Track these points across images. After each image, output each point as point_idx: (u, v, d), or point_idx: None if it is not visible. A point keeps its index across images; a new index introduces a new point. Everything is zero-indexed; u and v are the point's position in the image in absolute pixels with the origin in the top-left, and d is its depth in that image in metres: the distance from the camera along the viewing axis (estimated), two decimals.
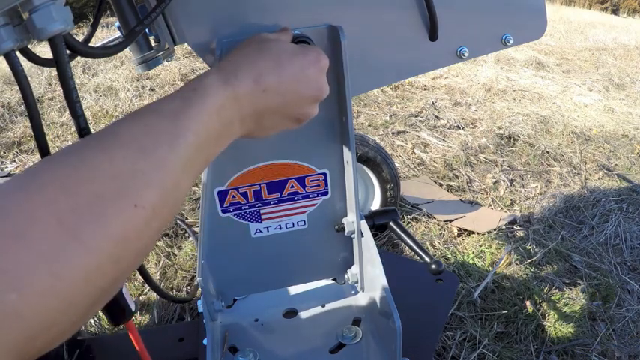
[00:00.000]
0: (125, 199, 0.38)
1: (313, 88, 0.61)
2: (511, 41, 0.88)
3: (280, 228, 0.99)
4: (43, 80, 3.67)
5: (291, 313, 1.08)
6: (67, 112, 3.18)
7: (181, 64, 3.99)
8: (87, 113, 3.27)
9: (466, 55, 0.88)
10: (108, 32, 4.46)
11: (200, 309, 1.06)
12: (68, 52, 0.54)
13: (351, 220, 0.98)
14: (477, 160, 2.85)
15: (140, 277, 1.31)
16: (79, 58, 0.86)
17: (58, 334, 0.35)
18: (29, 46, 0.58)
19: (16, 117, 3.20)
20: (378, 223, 1.02)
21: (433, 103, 3.68)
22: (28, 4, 0.49)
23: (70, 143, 2.90)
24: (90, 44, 0.67)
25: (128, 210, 0.38)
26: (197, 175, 0.49)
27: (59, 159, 0.39)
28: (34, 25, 0.49)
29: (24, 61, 0.57)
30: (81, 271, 0.35)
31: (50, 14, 0.49)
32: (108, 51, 0.64)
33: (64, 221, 0.35)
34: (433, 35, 0.84)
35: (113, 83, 3.68)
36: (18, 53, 0.54)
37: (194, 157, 0.46)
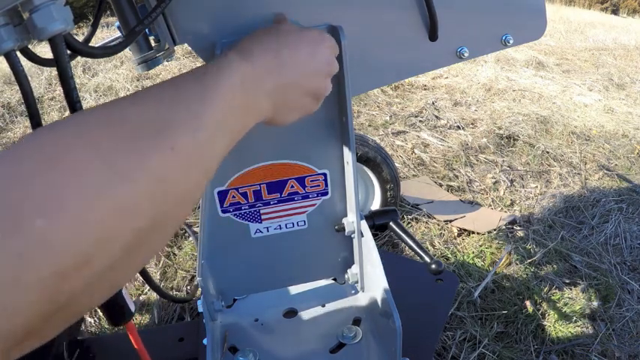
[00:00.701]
0: (162, 139, 0.37)
1: (325, 62, 0.65)
2: (511, 41, 0.88)
3: (280, 228, 0.99)
4: (43, 80, 3.67)
5: (291, 313, 1.08)
6: (67, 112, 3.17)
7: (181, 64, 3.99)
8: None
9: (466, 55, 0.88)
10: (108, 32, 4.46)
11: (200, 309, 1.06)
12: (68, 51, 0.54)
13: (351, 220, 0.98)
14: (477, 160, 2.85)
15: (140, 277, 1.31)
16: (79, 58, 0.86)
17: (91, 277, 0.31)
18: (29, 46, 0.58)
19: (16, 117, 3.20)
20: (378, 223, 1.02)
21: (433, 103, 3.68)
22: (29, 4, 0.49)
23: None
24: (90, 44, 0.67)
25: (165, 150, 0.36)
26: (230, 144, 0.49)
27: (91, 110, 0.38)
28: (35, 25, 0.49)
29: (24, 61, 0.57)
30: (114, 202, 0.32)
31: (50, 14, 0.49)
32: (108, 51, 0.64)
33: (100, 148, 0.33)
34: (433, 35, 0.84)
35: (113, 83, 3.68)
36: (18, 53, 0.54)
37: (226, 120, 0.46)
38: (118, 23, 0.82)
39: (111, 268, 0.33)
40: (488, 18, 0.86)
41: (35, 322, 0.29)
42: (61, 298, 0.30)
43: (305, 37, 0.63)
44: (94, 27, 0.84)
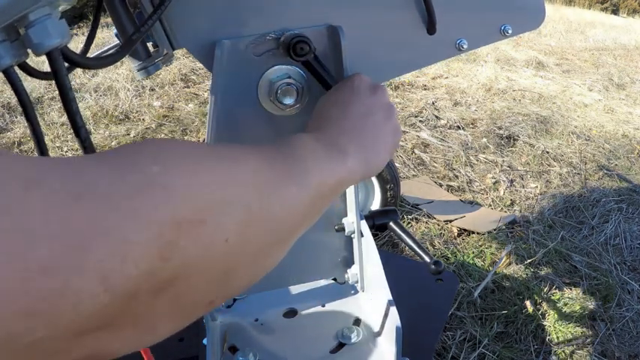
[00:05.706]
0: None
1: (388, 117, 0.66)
2: (510, 31, 0.87)
3: None
4: (43, 80, 3.67)
5: (291, 313, 1.08)
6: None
7: (181, 64, 3.99)
8: (87, 113, 3.28)
9: (465, 46, 0.87)
10: (108, 32, 4.46)
11: None
12: (66, 64, 0.54)
13: (350, 220, 0.98)
14: (477, 160, 2.86)
15: None
16: None
17: (204, 243, 0.29)
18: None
19: (16, 117, 3.20)
20: (378, 223, 1.02)
21: (433, 103, 3.69)
22: (24, 20, 0.49)
23: (70, 144, 2.91)
24: (89, 49, 0.67)
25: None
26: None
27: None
28: (31, 41, 0.49)
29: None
30: (215, 172, 0.33)
31: (46, 29, 0.49)
32: (105, 61, 0.63)
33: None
34: (431, 28, 0.84)
35: (113, 83, 3.68)
36: (16, 68, 0.54)
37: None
38: (116, 31, 0.82)
39: (224, 244, 0.31)
40: (486, 8, 0.86)
41: (144, 283, 0.26)
42: (173, 256, 0.27)
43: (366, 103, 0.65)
44: (91, 38, 0.83)
